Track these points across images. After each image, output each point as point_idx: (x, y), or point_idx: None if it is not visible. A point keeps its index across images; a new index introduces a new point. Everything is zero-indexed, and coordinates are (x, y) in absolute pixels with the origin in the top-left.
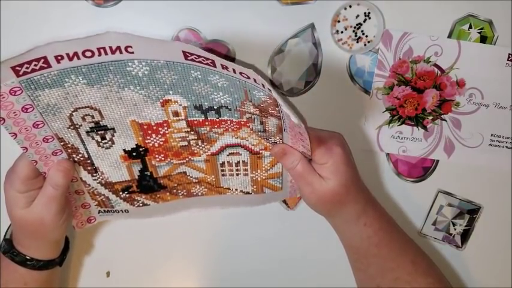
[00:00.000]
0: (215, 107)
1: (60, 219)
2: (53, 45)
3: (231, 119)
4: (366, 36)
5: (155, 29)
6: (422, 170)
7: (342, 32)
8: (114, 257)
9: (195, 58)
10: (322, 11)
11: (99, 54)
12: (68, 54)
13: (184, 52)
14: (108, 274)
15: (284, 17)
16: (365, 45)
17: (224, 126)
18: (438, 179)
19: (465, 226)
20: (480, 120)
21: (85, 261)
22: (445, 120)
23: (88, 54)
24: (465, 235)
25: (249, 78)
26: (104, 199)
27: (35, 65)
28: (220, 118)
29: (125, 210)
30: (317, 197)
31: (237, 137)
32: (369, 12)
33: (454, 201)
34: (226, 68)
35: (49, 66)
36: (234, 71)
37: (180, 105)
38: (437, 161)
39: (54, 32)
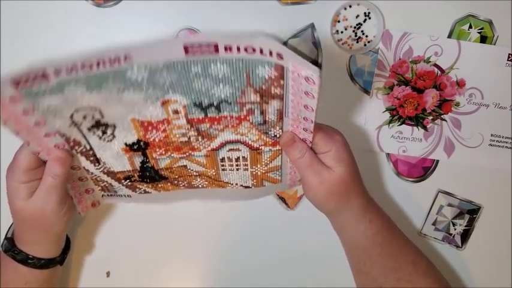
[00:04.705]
0: (215, 103)
1: (61, 211)
2: (50, 63)
3: (230, 114)
4: (366, 36)
5: (155, 29)
6: (422, 170)
7: (342, 32)
8: (114, 257)
9: (196, 50)
10: (322, 11)
11: (98, 67)
12: (66, 68)
13: (185, 47)
14: (108, 274)
15: (284, 17)
16: (365, 45)
17: (224, 122)
18: (438, 179)
19: (465, 226)
20: (480, 120)
21: (85, 261)
22: (445, 120)
23: (86, 68)
24: (465, 235)
25: (254, 51)
26: (107, 185)
27: (34, 79)
28: (220, 115)
29: (127, 195)
30: (326, 187)
31: (237, 133)
32: (369, 12)
33: (454, 201)
34: (230, 48)
35: (47, 78)
36: (238, 49)
37: (180, 103)
38: (437, 161)
39: (55, 31)
